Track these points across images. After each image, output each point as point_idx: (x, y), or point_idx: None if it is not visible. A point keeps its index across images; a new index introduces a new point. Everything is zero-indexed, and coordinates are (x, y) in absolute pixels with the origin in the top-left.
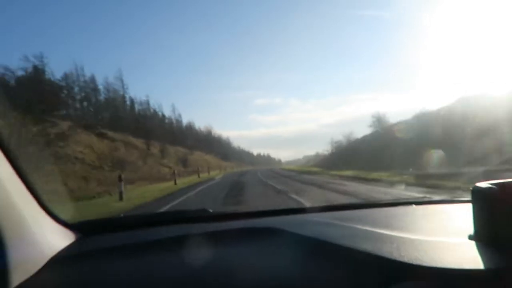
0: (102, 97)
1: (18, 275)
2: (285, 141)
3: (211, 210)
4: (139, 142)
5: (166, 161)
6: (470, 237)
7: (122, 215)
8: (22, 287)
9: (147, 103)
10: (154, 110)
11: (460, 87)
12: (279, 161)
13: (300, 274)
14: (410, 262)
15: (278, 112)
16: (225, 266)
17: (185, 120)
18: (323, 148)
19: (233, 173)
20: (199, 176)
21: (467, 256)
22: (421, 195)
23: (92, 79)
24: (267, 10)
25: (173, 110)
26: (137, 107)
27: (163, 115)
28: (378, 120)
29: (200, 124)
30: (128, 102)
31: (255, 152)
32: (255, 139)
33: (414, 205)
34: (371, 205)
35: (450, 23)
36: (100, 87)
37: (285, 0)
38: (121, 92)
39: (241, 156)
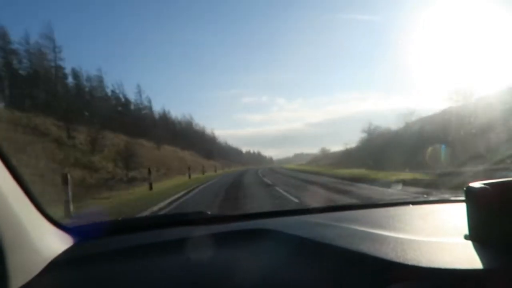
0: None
1: (17, 279)
2: (272, 140)
3: (209, 212)
4: (50, 124)
5: (98, 158)
6: (466, 237)
7: (120, 218)
8: None
9: (100, 79)
10: (113, 91)
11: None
12: (271, 159)
13: (297, 276)
14: (406, 262)
15: (265, 111)
16: (223, 268)
17: (161, 109)
18: (318, 146)
19: (223, 178)
20: (151, 189)
21: (463, 256)
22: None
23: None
24: (256, 7)
25: (139, 92)
26: (86, 86)
27: (126, 99)
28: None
29: (179, 114)
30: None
31: (244, 149)
32: (241, 138)
33: (411, 205)
34: (368, 206)
35: (437, 27)
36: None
37: None
38: (50, 57)
39: (229, 153)
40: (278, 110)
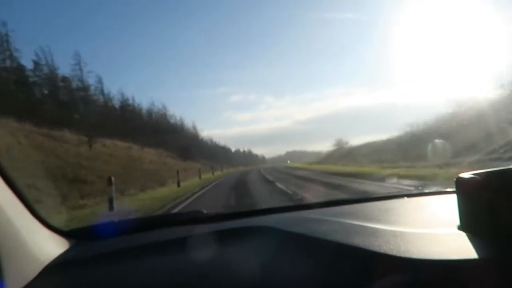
0: None
1: (13, 284)
2: (260, 139)
3: (205, 211)
4: None
5: None
6: (459, 228)
7: (116, 220)
8: None
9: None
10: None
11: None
12: (263, 158)
13: (292, 271)
14: (400, 255)
15: (253, 109)
16: (221, 266)
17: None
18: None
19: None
20: None
21: (455, 247)
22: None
23: None
24: (242, 3)
25: (100, 82)
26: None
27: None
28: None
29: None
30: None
31: (233, 148)
32: (230, 137)
33: (406, 198)
34: (363, 200)
35: (419, 25)
36: None
37: None
38: None
39: (215, 153)
40: (266, 108)
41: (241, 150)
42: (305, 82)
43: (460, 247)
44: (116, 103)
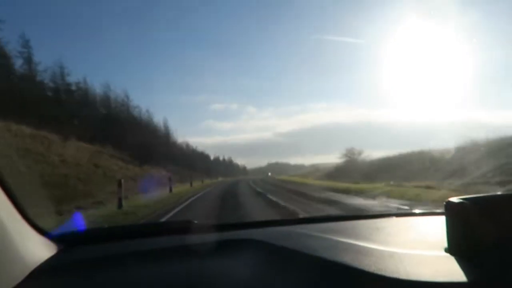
0: None
1: (1, 286)
2: (240, 149)
3: (196, 222)
4: None
5: None
6: (446, 250)
7: (106, 225)
8: None
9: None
10: None
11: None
12: (244, 168)
13: (281, 286)
14: (387, 275)
15: (235, 119)
16: (209, 277)
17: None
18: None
19: None
20: None
21: (442, 269)
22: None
23: None
24: (227, 10)
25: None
26: None
27: None
28: None
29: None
30: None
31: (212, 155)
32: (209, 146)
33: (395, 217)
34: (353, 217)
35: (402, 51)
36: None
37: (246, 4)
38: None
39: (189, 159)
40: (248, 119)
41: (221, 158)
42: (288, 94)
43: (448, 269)
44: (47, 77)
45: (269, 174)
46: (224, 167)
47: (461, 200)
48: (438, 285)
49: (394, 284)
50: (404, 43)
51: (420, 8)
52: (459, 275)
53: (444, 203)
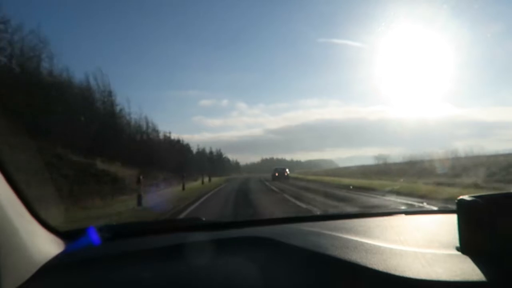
0: None
1: (9, 283)
2: (231, 146)
3: (204, 219)
4: None
5: None
6: (457, 249)
7: (114, 223)
8: None
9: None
10: None
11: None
12: (237, 165)
13: (289, 284)
14: (398, 274)
15: (225, 115)
16: (217, 275)
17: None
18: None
19: None
20: None
21: (454, 268)
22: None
23: None
24: (218, 4)
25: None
26: None
27: None
28: None
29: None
30: None
31: (194, 147)
32: (198, 142)
33: (405, 215)
34: (362, 215)
35: (395, 51)
36: None
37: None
38: None
39: (164, 155)
40: (238, 115)
41: (208, 151)
42: (279, 91)
43: (461, 268)
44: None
45: (287, 170)
46: (215, 163)
47: (473, 198)
48: (451, 284)
49: (405, 283)
50: (397, 41)
51: (412, 10)
52: (474, 274)
53: (456, 201)
